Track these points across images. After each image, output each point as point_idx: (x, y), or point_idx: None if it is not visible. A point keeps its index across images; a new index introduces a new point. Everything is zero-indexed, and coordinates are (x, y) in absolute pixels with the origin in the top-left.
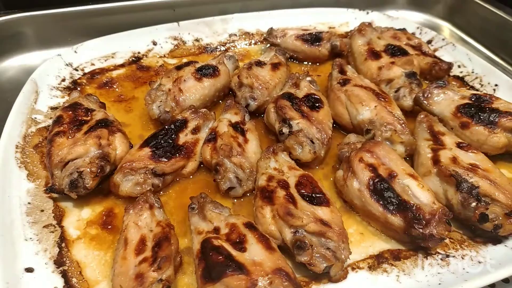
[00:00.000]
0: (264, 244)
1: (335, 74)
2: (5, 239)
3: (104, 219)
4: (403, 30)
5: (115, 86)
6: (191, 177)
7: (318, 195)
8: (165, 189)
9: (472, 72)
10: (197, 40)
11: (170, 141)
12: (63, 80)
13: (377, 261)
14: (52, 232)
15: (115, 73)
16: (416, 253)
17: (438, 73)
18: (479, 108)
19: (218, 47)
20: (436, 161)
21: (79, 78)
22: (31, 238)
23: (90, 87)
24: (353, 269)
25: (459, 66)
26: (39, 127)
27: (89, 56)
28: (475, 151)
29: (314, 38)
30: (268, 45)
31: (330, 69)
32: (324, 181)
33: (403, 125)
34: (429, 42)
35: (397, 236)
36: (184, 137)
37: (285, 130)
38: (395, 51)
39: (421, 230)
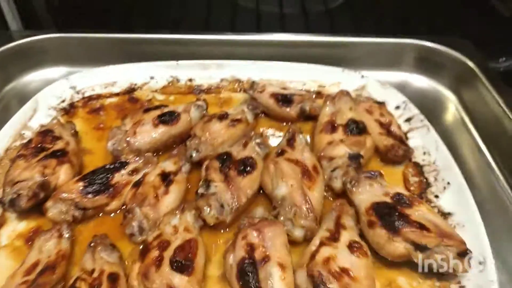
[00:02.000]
0: None
1: (282, 142)
2: None
3: (30, 235)
4: (381, 104)
5: (101, 113)
6: (112, 214)
7: (186, 263)
8: (86, 220)
9: (433, 163)
10: (190, 80)
11: (104, 179)
12: (63, 101)
13: None
14: None
15: (108, 101)
16: None
17: (393, 157)
18: (391, 210)
19: (207, 89)
20: (312, 256)
21: (77, 101)
22: None
23: (82, 111)
24: None
25: (424, 153)
26: (22, 142)
27: (93, 82)
28: (360, 255)
29: (285, 99)
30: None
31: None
32: (224, 245)
33: (308, 209)
34: (408, 120)
35: None
36: (118, 177)
37: (201, 190)
38: (352, 129)
39: None
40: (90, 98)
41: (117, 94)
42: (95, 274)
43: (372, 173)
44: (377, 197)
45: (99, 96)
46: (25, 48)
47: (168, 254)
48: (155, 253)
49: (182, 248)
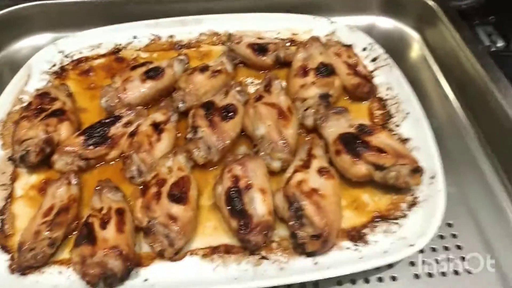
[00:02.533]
0: (117, 227)
1: (259, 88)
2: None
3: (42, 185)
4: (349, 47)
5: (91, 74)
6: (112, 162)
7: (181, 195)
8: (90, 169)
9: (395, 97)
10: (171, 36)
11: (102, 132)
12: (54, 65)
13: (211, 251)
14: (5, 190)
15: (96, 62)
16: (244, 252)
17: (360, 94)
18: (354, 138)
19: (187, 44)
20: (287, 181)
21: (67, 64)
22: None
23: (73, 73)
24: (191, 254)
25: (387, 89)
26: (22, 106)
27: (79, 45)
28: (328, 178)
29: (260, 48)
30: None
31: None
32: (213, 180)
33: (284, 144)
34: (374, 59)
35: (234, 235)
36: (114, 130)
37: (190, 135)
38: (321, 71)
39: (243, 235)
40: (79, 60)
41: (103, 55)
42: (104, 211)
43: (339, 109)
44: (343, 129)
45: (87, 58)
46: (10, 17)
47: (165, 189)
48: (154, 189)
49: (177, 184)
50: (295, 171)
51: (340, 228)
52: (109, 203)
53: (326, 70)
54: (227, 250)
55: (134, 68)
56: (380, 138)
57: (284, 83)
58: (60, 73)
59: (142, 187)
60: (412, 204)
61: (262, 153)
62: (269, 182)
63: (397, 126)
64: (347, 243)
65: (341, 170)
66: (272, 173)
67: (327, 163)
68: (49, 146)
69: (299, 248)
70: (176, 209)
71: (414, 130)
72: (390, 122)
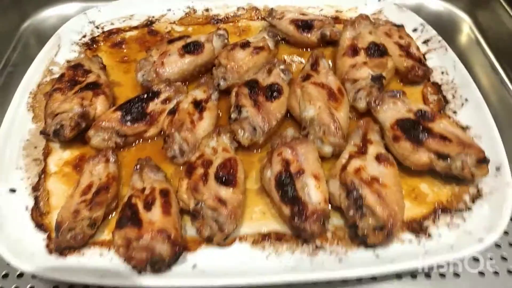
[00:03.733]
0: (163, 209)
1: (306, 67)
2: (2, 165)
3: (77, 162)
4: (400, 27)
5: (124, 47)
6: (150, 140)
7: (229, 177)
8: (128, 146)
9: (451, 82)
10: (207, 10)
11: (140, 108)
12: (84, 36)
13: (261, 238)
14: (38, 165)
15: (128, 34)
16: (296, 240)
17: (413, 78)
18: (415, 124)
19: (224, 19)
20: (343, 167)
21: (98, 36)
22: (21, 168)
23: (104, 45)
24: (240, 239)
25: (442, 73)
26: (52, 77)
27: (110, 16)
28: (388, 165)
29: (305, 25)
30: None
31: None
32: (258, 163)
33: (336, 128)
34: (426, 41)
35: (286, 223)
36: (153, 106)
37: (234, 115)
38: (373, 51)
39: (297, 223)
40: (110, 32)
41: (136, 28)
42: (147, 191)
43: (395, 92)
44: (401, 114)
45: (118, 30)
46: None
47: (212, 170)
48: (200, 170)
49: (224, 165)
50: (351, 157)
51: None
52: (152, 183)
53: (378, 50)
54: (278, 237)
55: (171, 41)
56: (442, 125)
57: (330, 63)
58: (91, 45)
59: (186, 167)
60: (476, 196)
61: (312, 136)
62: (322, 168)
63: (454, 113)
64: (408, 236)
65: (399, 158)
66: (321, 158)
67: (384, 149)
68: (85, 121)
69: (358, 239)
70: (225, 192)
71: (474, 117)
72: (446, 109)
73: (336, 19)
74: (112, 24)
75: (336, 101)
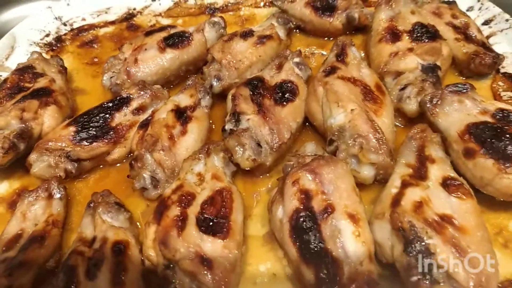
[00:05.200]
0: (113, 277)
1: (329, 58)
2: None
3: (14, 198)
4: (452, 4)
5: (96, 46)
6: (118, 164)
7: (220, 221)
8: (86, 174)
9: None
10: None
11: (101, 121)
12: (47, 35)
13: None
14: None
15: (102, 31)
16: None
17: (478, 68)
18: (498, 131)
19: (223, 7)
20: (396, 201)
21: (65, 34)
22: None
23: (72, 45)
24: None
25: None
26: None
27: (82, 10)
28: (463, 196)
29: (326, 6)
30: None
31: None
32: (266, 195)
33: (380, 141)
34: (487, 22)
35: None
36: (120, 118)
37: (229, 126)
38: (420, 34)
39: None
40: (81, 29)
41: (112, 23)
42: (96, 245)
43: (460, 86)
44: (472, 117)
45: (91, 27)
46: None
47: (193, 210)
48: (175, 210)
49: (212, 202)
50: (405, 185)
51: None
52: (105, 230)
53: (427, 32)
54: None
55: (149, 33)
56: None
57: (362, 54)
58: (55, 45)
59: (156, 206)
60: None
61: (343, 153)
62: (362, 203)
63: None
64: None
65: (476, 182)
66: (359, 185)
67: (453, 171)
68: (24, 141)
69: None
70: (211, 246)
71: None
72: None
73: (366, 1)
74: (83, 20)
75: (375, 103)
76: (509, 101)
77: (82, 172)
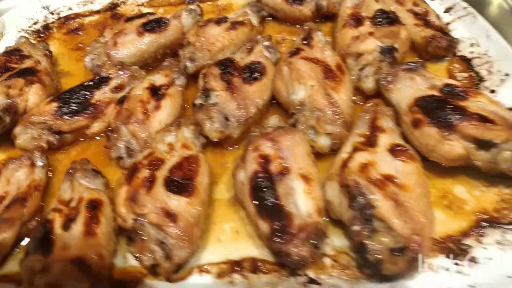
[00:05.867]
0: (86, 228)
1: (296, 41)
2: None
3: (0, 169)
4: None
5: (81, 33)
6: (98, 138)
7: (185, 182)
8: (67, 147)
9: (485, 55)
10: None
11: (82, 98)
12: (35, 23)
13: (231, 268)
14: None
15: (87, 20)
16: (280, 270)
17: (435, 50)
18: (442, 103)
19: None
20: (344, 164)
21: (52, 22)
22: None
23: (58, 32)
24: (201, 271)
25: (472, 45)
26: None
27: (68, 0)
28: (408, 160)
29: None
30: None
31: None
32: (233, 164)
33: (335, 113)
34: (448, 10)
35: (265, 244)
36: (100, 95)
37: (199, 101)
38: (381, 19)
39: (278, 245)
40: (67, 18)
41: (97, 12)
42: (73, 203)
43: (413, 64)
44: (422, 91)
45: (77, 15)
46: None
47: (162, 173)
48: (145, 173)
49: (179, 166)
50: (355, 150)
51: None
52: (82, 192)
53: (387, 17)
54: (254, 266)
55: (130, 19)
56: (480, 103)
57: (329, 39)
58: (43, 32)
59: (129, 170)
60: None
61: (303, 125)
62: (316, 166)
63: (492, 92)
64: (443, 261)
65: (422, 150)
66: (317, 155)
67: (400, 139)
68: (10, 115)
69: (370, 268)
70: (177, 203)
71: None
72: (481, 87)
73: None
74: (70, 9)
75: (334, 80)
76: (463, 81)
77: (64, 144)
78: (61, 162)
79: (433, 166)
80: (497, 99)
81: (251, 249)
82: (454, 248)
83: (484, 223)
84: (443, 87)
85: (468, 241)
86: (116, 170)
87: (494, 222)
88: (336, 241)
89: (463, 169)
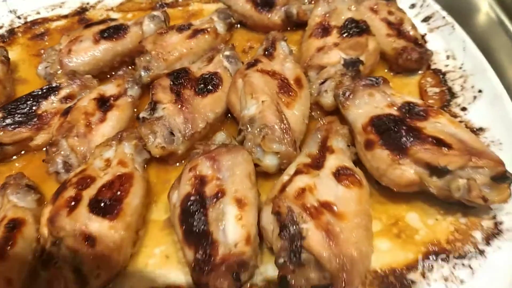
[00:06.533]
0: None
1: (258, 51)
2: None
3: None
4: (390, 1)
5: (45, 39)
6: (44, 149)
7: (112, 204)
8: (7, 159)
9: (460, 68)
10: None
11: (28, 108)
12: (0, 27)
13: None
14: None
15: (54, 25)
16: None
17: (405, 63)
18: (398, 123)
19: (173, 3)
20: (283, 188)
21: (18, 27)
22: None
23: (23, 37)
24: None
25: (448, 57)
26: None
27: (37, 4)
28: (351, 185)
29: (265, 1)
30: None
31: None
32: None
33: (284, 131)
34: (426, 19)
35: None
36: (47, 105)
37: (143, 114)
38: (348, 29)
39: (198, 275)
40: (34, 22)
41: (65, 16)
42: None
43: (373, 79)
44: (379, 110)
45: (44, 20)
46: None
47: (89, 193)
48: (71, 192)
49: (110, 186)
50: (297, 173)
51: (369, 270)
52: (7, 210)
53: (356, 27)
54: None
55: (89, 26)
56: (439, 124)
57: (294, 49)
58: (7, 37)
59: (58, 187)
60: (493, 233)
61: (250, 142)
62: (255, 189)
63: (464, 110)
64: None
65: (374, 173)
66: (265, 175)
67: (350, 162)
68: None
69: None
70: (98, 226)
71: (491, 116)
72: (452, 104)
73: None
74: (37, 13)
75: (289, 95)
76: (434, 96)
77: (6, 156)
78: (2, 175)
79: (388, 191)
80: (468, 117)
81: (178, 276)
82: (395, 283)
83: (433, 256)
84: (402, 106)
85: (412, 275)
86: (56, 185)
87: (444, 253)
88: (269, 270)
89: (420, 195)
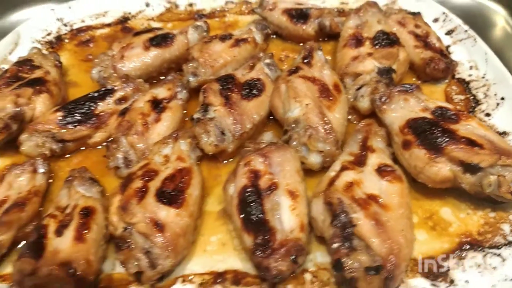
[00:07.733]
0: (76, 234)
1: (297, 60)
2: None
3: (4, 173)
4: (416, 15)
5: (91, 45)
6: (99, 147)
7: (176, 194)
8: (68, 155)
9: (482, 78)
10: (190, 5)
11: (86, 109)
12: (49, 34)
13: (213, 280)
14: None
15: (98, 32)
16: (260, 283)
17: (433, 72)
18: (433, 126)
19: (210, 14)
20: (331, 182)
21: (65, 34)
22: None
23: (70, 43)
24: (184, 280)
25: (471, 67)
26: None
27: (82, 13)
28: (393, 180)
29: (300, 14)
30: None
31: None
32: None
33: (327, 131)
34: (449, 32)
35: (248, 257)
36: (104, 106)
37: (197, 115)
38: (381, 40)
39: (259, 258)
40: (79, 30)
41: (108, 25)
42: (68, 210)
43: (407, 86)
44: (414, 113)
45: (89, 28)
46: None
47: (154, 184)
48: (138, 183)
49: (172, 178)
50: (343, 169)
51: (411, 258)
52: (77, 199)
53: (387, 39)
54: (236, 279)
55: (138, 34)
56: (470, 127)
57: (328, 57)
58: (55, 43)
59: (123, 180)
60: None
61: (295, 142)
62: (304, 183)
63: (488, 115)
64: (421, 282)
65: (411, 171)
66: (308, 172)
67: (390, 160)
68: (17, 122)
69: (346, 285)
70: (166, 214)
71: None
72: (477, 111)
73: (341, 13)
74: (82, 21)
75: (329, 99)
76: (459, 103)
77: (66, 152)
78: (62, 169)
79: (422, 188)
80: (492, 122)
81: (235, 261)
82: (434, 270)
83: (466, 246)
84: (435, 110)
85: (448, 263)
86: (114, 179)
87: (476, 245)
88: (318, 257)
89: (452, 191)
